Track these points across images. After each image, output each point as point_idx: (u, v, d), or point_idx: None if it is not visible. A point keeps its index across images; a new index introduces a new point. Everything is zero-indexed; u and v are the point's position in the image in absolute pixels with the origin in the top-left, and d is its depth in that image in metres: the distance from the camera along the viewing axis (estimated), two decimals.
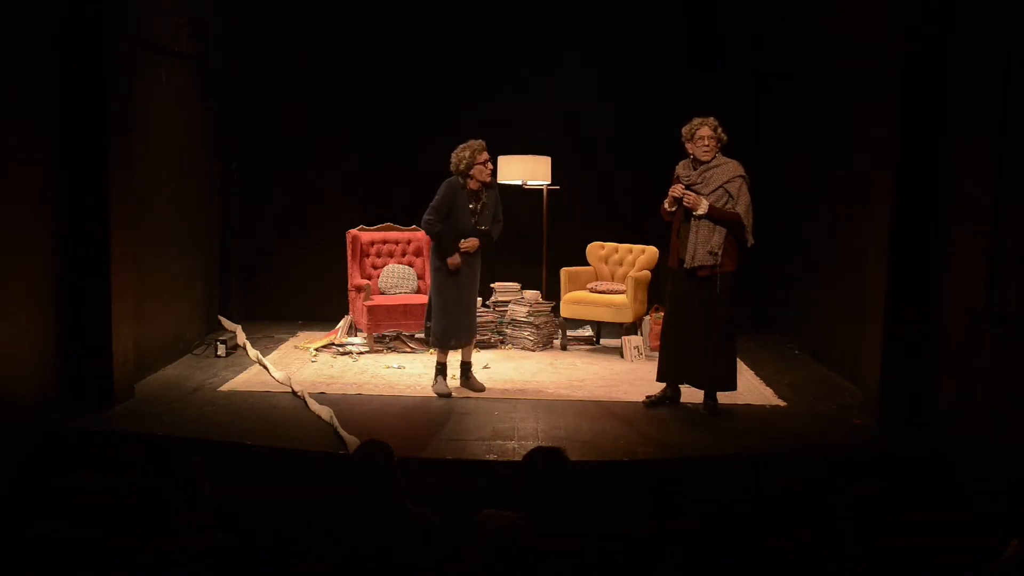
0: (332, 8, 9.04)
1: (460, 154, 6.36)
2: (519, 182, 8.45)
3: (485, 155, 6.37)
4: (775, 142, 8.98)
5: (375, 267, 8.44)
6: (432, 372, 6.72)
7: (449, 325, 6.46)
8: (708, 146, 5.88)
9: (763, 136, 8.99)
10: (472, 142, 6.40)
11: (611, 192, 8.95)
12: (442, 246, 6.39)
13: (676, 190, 5.91)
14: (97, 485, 4.58)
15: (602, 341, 8.37)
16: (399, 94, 9.21)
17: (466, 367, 6.72)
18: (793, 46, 8.70)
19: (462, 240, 6.37)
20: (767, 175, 8.94)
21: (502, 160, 8.40)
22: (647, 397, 6.38)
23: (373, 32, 9.17)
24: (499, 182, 8.42)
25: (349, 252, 8.28)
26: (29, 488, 5.02)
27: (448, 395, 6.47)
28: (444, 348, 6.57)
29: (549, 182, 8.43)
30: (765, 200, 8.90)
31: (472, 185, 6.38)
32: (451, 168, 6.41)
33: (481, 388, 6.63)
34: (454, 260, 6.35)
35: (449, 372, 6.69)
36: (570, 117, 9.11)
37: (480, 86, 9.09)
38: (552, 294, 8.40)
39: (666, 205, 6.01)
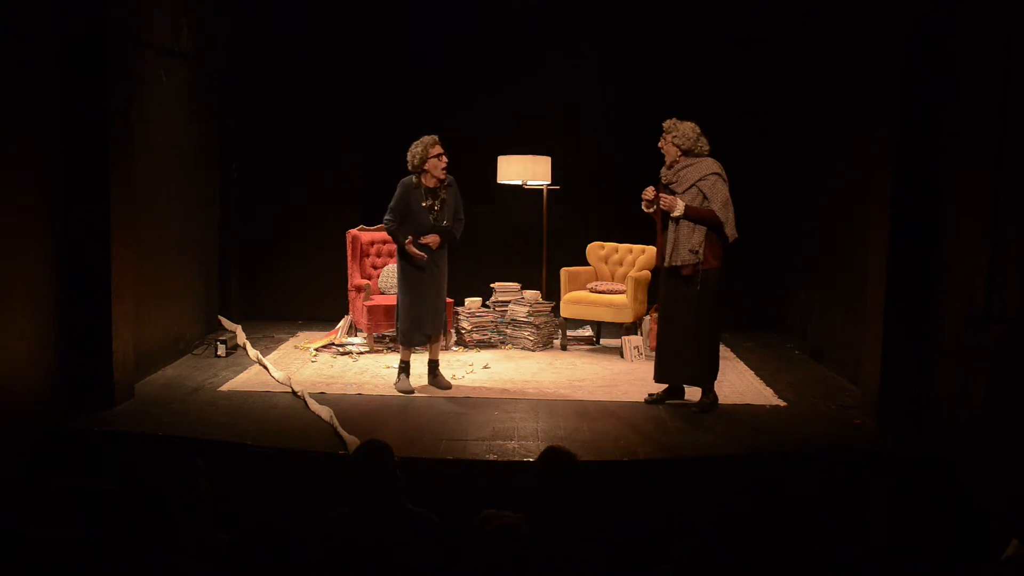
0: (332, 8, 9.04)
1: (413, 150, 6.38)
2: (519, 182, 8.45)
3: (438, 148, 6.36)
4: (775, 142, 8.98)
5: (375, 267, 8.44)
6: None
7: (414, 323, 6.49)
8: (661, 147, 6.12)
9: (763, 136, 8.99)
10: (425, 137, 6.40)
11: (611, 192, 8.94)
12: (400, 242, 6.41)
13: (647, 193, 6.09)
14: (97, 486, 4.59)
15: (602, 341, 8.37)
16: (399, 94, 9.21)
17: (433, 365, 6.73)
18: (793, 46, 8.69)
19: (422, 236, 6.38)
20: (767, 175, 8.99)
21: (502, 160, 8.40)
22: (649, 395, 6.41)
23: (373, 32, 9.17)
24: (499, 182, 8.48)
25: (349, 252, 8.28)
26: (29, 488, 5.02)
27: (410, 392, 6.50)
28: (409, 346, 6.62)
29: (549, 182, 8.43)
30: (765, 200, 8.98)
31: (428, 181, 6.40)
32: (407, 166, 6.43)
33: (448, 386, 6.64)
34: (412, 249, 6.32)
35: (428, 372, 6.74)
36: (570, 117, 9.11)
37: (480, 86, 9.09)
38: (552, 294, 8.40)
39: (643, 207, 6.18)
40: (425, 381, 6.71)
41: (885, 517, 3.17)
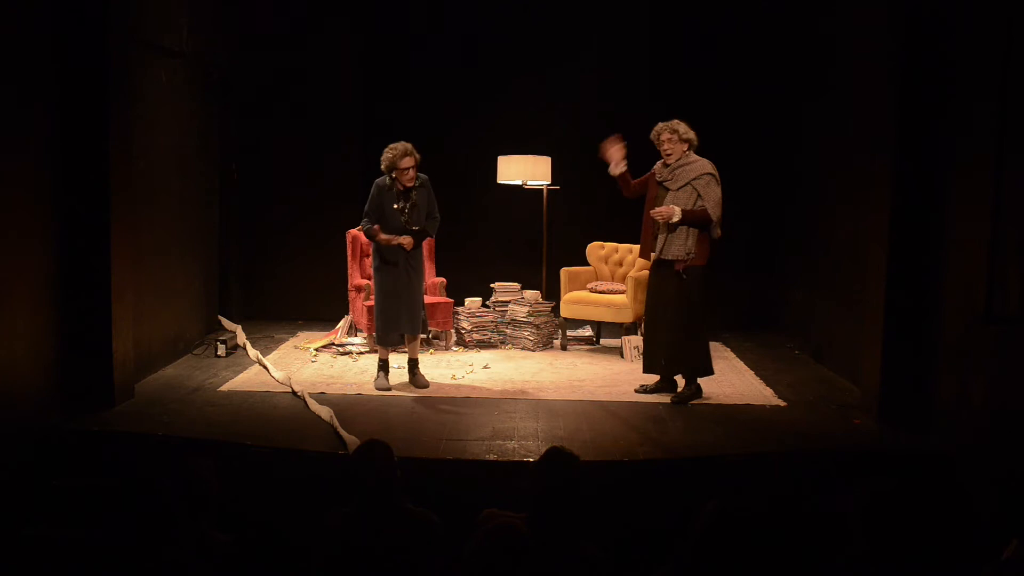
0: (332, 8, 9.05)
1: (386, 155, 6.41)
2: (519, 182, 8.45)
3: (407, 161, 6.35)
4: (775, 141, 8.98)
5: None
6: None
7: (390, 323, 6.54)
8: (667, 149, 6.24)
9: (763, 135, 9.00)
10: (398, 145, 6.41)
11: (611, 192, 8.90)
12: (376, 240, 6.47)
13: (610, 155, 6.37)
14: (97, 485, 4.59)
15: (602, 341, 8.37)
16: (399, 94, 9.21)
17: (413, 364, 6.76)
18: (792, 45, 8.69)
19: (394, 238, 6.42)
20: (767, 175, 8.99)
21: (502, 160, 8.40)
22: (640, 386, 6.55)
23: (373, 32, 9.18)
24: (499, 182, 8.48)
25: (349, 252, 8.28)
26: (29, 488, 5.02)
27: (388, 390, 6.54)
28: (385, 345, 6.67)
29: (549, 182, 8.43)
30: (766, 200, 8.99)
31: (399, 185, 6.44)
32: (380, 166, 6.48)
33: (426, 384, 6.67)
34: (405, 239, 6.38)
35: (409, 371, 6.79)
36: (570, 117, 9.11)
37: (480, 86, 9.10)
38: (552, 294, 8.40)
39: (610, 170, 6.42)
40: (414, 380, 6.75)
41: (864, 522, 3.16)
